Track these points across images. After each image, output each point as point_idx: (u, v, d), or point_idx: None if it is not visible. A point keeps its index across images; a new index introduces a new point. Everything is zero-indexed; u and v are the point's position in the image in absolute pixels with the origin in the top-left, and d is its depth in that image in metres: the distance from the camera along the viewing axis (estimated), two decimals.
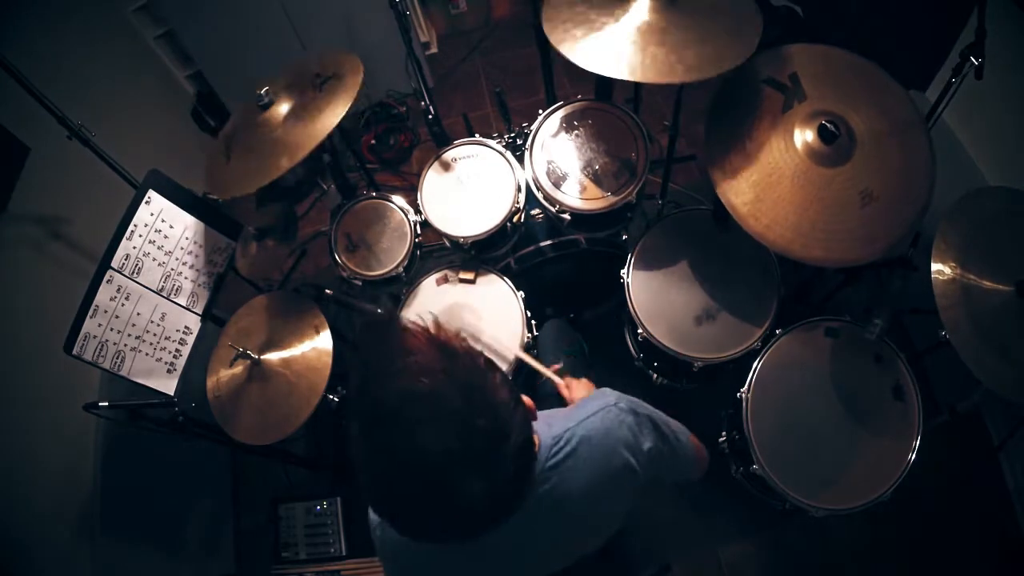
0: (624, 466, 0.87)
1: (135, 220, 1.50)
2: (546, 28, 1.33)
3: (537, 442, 0.81)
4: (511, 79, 2.90)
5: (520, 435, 0.65)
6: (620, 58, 1.26)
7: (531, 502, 0.80)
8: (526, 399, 0.72)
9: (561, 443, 0.83)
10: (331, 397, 1.56)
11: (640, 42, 1.27)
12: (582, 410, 0.89)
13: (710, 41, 1.27)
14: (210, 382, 1.60)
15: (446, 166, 1.75)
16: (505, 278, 1.71)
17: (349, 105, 1.42)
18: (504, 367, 1.58)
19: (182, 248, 1.60)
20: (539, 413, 0.88)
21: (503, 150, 1.74)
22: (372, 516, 0.87)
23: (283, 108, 1.49)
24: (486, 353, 0.68)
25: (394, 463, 0.61)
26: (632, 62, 1.25)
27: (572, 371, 1.46)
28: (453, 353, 0.64)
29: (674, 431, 0.98)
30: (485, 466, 0.61)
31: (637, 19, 1.30)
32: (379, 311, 1.11)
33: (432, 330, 0.65)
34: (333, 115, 1.41)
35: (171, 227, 1.58)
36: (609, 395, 0.92)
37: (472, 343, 0.67)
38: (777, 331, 1.51)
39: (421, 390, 0.61)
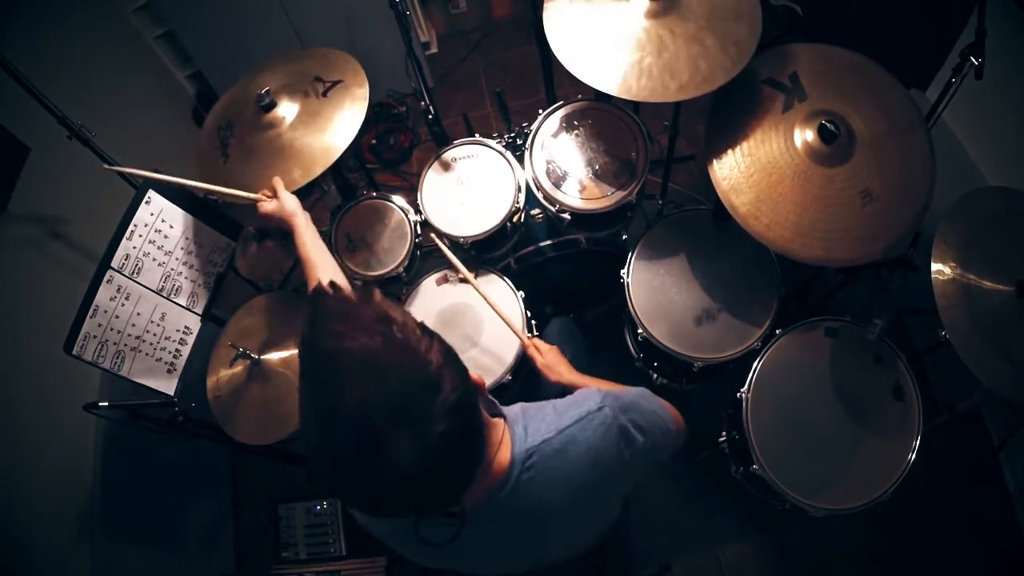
0: (604, 475, 0.86)
1: (135, 220, 1.50)
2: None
3: (509, 442, 0.81)
4: (511, 79, 2.90)
5: (454, 393, 0.64)
6: (617, 75, 1.29)
7: (506, 510, 0.81)
8: (474, 376, 0.72)
9: (534, 457, 0.81)
10: None
11: (638, 54, 1.29)
12: (563, 416, 0.86)
13: (707, 53, 1.28)
14: (210, 382, 1.60)
15: (446, 166, 1.75)
16: (505, 278, 1.71)
17: (363, 119, 1.45)
18: (501, 369, 1.58)
19: (182, 248, 1.60)
20: (515, 409, 0.88)
21: (503, 150, 1.74)
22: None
23: (286, 111, 1.49)
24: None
25: (324, 416, 0.62)
26: (628, 81, 1.28)
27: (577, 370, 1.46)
28: (389, 318, 0.66)
29: (659, 420, 0.93)
30: (412, 420, 0.61)
31: (635, 24, 1.31)
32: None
33: (375, 297, 0.68)
34: (347, 130, 1.44)
35: (171, 227, 1.58)
36: (592, 398, 0.88)
37: (409, 313, 0.69)
38: (777, 331, 1.51)
39: (353, 345, 0.62)
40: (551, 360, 1.32)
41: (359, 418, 0.60)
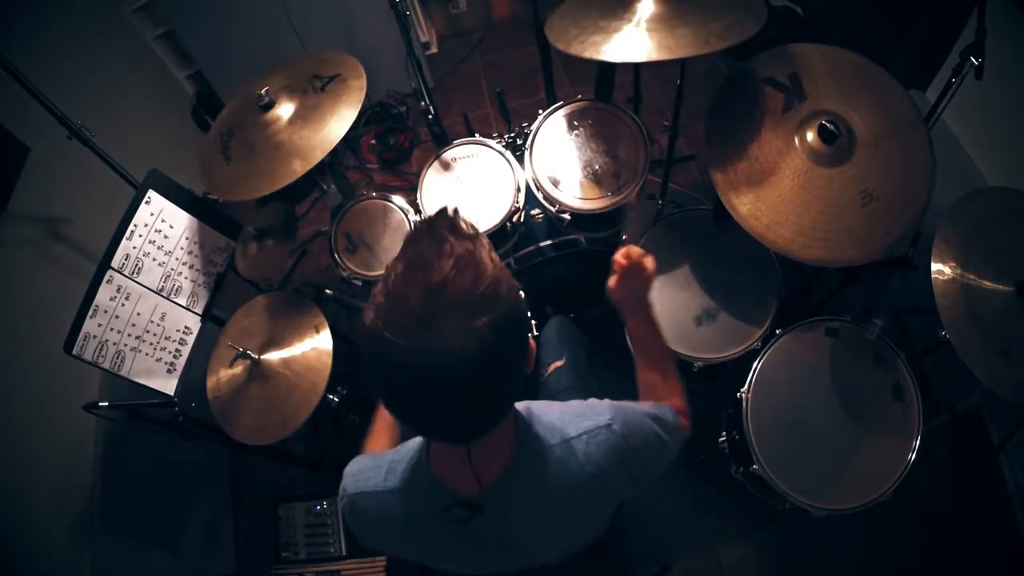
0: (601, 490, 0.87)
1: (135, 220, 1.50)
2: (560, 45, 1.32)
3: (512, 435, 0.82)
4: (511, 79, 2.90)
5: (508, 299, 0.69)
6: (648, 43, 1.24)
7: (505, 502, 0.82)
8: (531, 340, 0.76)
9: (536, 458, 0.82)
10: (331, 397, 1.56)
11: (659, 30, 1.26)
12: (569, 425, 0.86)
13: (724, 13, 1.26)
14: (210, 382, 1.60)
15: (446, 166, 1.75)
16: None
17: (359, 108, 1.44)
18: None
19: (182, 248, 1.60)
20: (525, 407, 0.88)
21: (503, 150, 1.74)
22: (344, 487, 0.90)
23: (285, 110, 1.49)
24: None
25: (399, 279, 0.69)
26: (663, 42, 1.23)
27: (574, 368, 1.46)
28: (481, 241, 0.72)
29: (664, 429, 0.91)
30: (467, 306, 0.65)
31: (647, 14, 1.29)
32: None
33: (487, 246, 0.74)
34: (343, 118, 1.43)
35: (171, 227, 1.58)
36: (602, 412, 0.87)
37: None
38: (777, 331, 1.51)
39: (456, 246, 0.69)
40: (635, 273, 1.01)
41: (426, 292, 0.65)
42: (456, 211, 0.75)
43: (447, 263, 0.66)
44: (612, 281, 1.03)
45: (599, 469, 0.84)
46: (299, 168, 1.39)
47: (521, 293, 0.73)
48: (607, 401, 0.91)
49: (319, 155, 1.40)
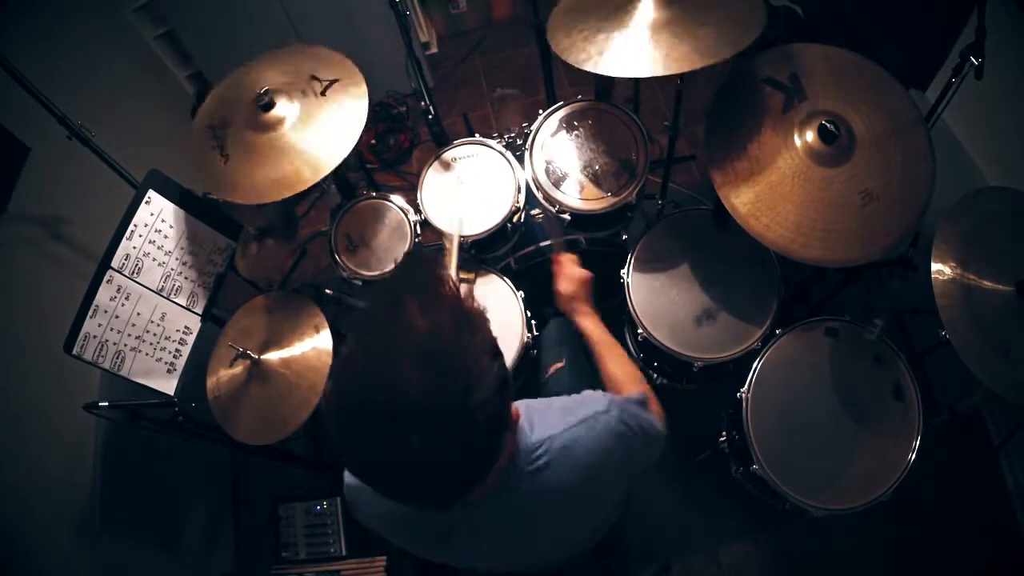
0: (606, 477, 0.88)
1: (135, 220, 1.50)
2: (564, 56, 1.32)
3: (514, 442, 0.81)
4: (511, 79, 2.90)
5: (482, 410, 0.64)
6: (642, 57, 1.26)
7: (506, 503, 0.81)
8: (514, 406, 0.74)
9: (540, 450, 0.82)
10: None
11: (654, 38, 1.27)
12: (569, 415, 0.87)
13: (720, 24, 1.27)
14: (210, 382, 1.60)
15: (446, 166, 1.75)
16: (505, 278, 1.71)
17: (365, 119, 1.45)
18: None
19: (182, 248, 1.60)
20: (524, 405, 0.88)
21: (503, 150, 1.74)
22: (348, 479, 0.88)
23: (285, 110, 1.48)
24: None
25: (365, 384, 0.64)
26: (653, 57, 1.25)
27: (574, 369, 1.46)
28: (470, 314, 0.67)
29: (651, 425, 0.95)
30: (431, 422, 0.61)
31: (645, 19, 1.30)
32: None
33: (462, 293, 0.69)
34: (352, 129, 1.44)
35: (171, 227, 1.58)
36: (598, 400, 0.90)
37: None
38: (777, 331, 1.51)
39: (422, 324, 0.64)
40: (571, 273, 1.26)
41: (392, 399, 0.61)
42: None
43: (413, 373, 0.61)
44: (559, 282, 1.25)
45: (599, 452, 0.85)
46: (310, 177, 1.40)
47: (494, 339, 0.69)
48: (600, 392, 0.94)
49: (331, 164, 1.41)
